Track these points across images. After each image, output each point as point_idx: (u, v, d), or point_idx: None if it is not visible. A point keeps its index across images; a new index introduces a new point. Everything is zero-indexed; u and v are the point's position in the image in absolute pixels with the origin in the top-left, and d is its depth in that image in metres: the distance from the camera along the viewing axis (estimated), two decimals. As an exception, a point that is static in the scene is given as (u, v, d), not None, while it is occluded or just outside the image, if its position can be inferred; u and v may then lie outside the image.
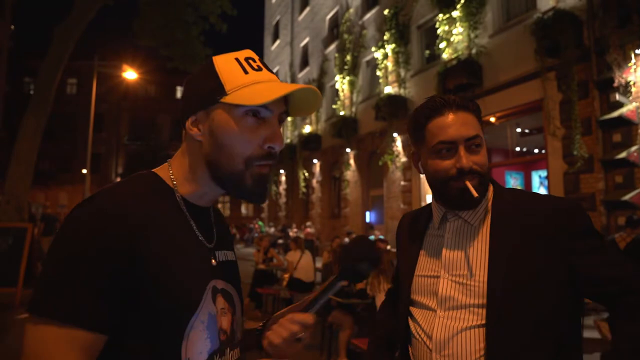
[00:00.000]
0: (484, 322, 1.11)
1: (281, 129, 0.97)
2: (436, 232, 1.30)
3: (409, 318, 1.29)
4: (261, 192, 0.94)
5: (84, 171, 20.62)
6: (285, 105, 0.96)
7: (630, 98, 7.18)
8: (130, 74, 20.26)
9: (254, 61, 0.95)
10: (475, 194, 1.16)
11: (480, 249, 1.18)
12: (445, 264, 1.22)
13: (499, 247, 1.15)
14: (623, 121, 7.24)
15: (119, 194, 0.85)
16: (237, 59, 0.94)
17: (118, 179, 32.58)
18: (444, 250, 1.24)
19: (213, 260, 0.95)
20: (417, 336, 1.23)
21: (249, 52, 0.97)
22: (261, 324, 1.10)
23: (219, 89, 0.90)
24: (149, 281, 0.80)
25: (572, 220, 1.14)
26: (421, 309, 1.25)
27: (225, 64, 0.93)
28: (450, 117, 1.21)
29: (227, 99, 0.89)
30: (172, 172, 0.96)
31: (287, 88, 0.90)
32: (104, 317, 0.77)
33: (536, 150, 10.75)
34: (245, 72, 0.92)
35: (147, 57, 22.65)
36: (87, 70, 22.77)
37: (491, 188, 1.27)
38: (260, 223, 24.13)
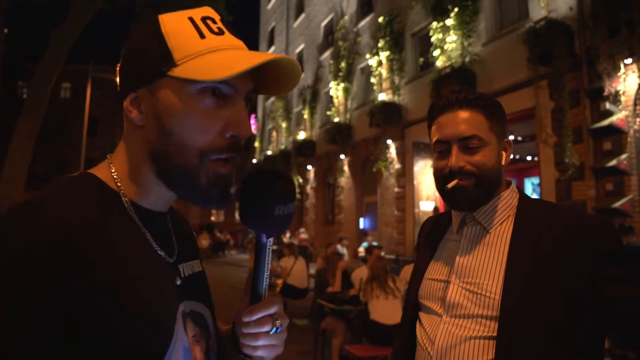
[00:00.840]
0: (491, 334, 1.05)
1: (248, 114, 0.75)
2: (453, 236, 1.25)
3: (416, 322, 1.24)
4: (219, 195, 0.73)
5: (78, 176, 20.58)
6: (254, 82, 0.75)
7: (620, 107, 7.27)
8: (125, 79, 20.25)
9: (214, 22, 0.73)
10: (449, 185, 1.13)
11: (497, 260, 1.12)
12: (458, 269, 1.17)
13: (518, 261, 1.08)
14: (613, 129, 7.32)
15: (49, 205, 0.64)
16: (191, 19, 0.72)
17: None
18: (457, 256, 1.19)
19: (178, 279, 0.77)
20: (421, 341, 1.19)
21: (207, 10, 0.74)
22: (230, 328, 0.90)
23: (166, 58, 0.69)
24: (104, 320, 0.61)
25: (601, 243, 1.05)
26: (427, 313, 1.21)
27: (175, 25, 0.71)
28: (449, 115, 1.18)
29: (176, 72, 0.68)
30: (114, 170, 0.75)
31: (257, 58, 0.68)
32: None
33: (529, 158, 10.86)
34: (202, 36, 0.71)
35: (142, 62, 22.66)
36: (82, 74, 22.73)
37: (516, 196, 1.21)
38: None
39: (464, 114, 1.16)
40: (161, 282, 0.72)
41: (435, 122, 1.22)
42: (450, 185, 1.13)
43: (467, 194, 1.15)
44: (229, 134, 0.71)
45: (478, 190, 1.15)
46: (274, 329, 0.75)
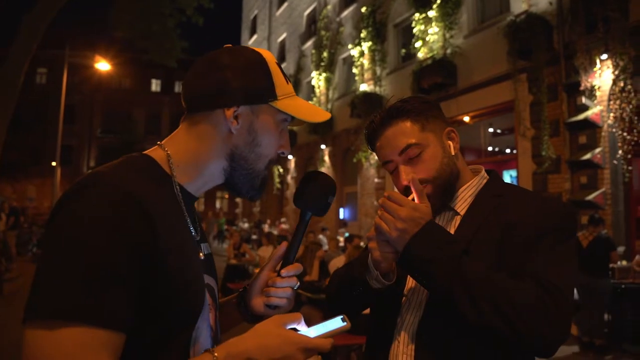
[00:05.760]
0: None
1: None
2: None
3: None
4: (262, 191, 0.97)
5: (54, 163, 20.10)
6: None
7: (595, 101, 7.43)
8: (103, 65, 19.77)
9: (281, 68, 0.97)
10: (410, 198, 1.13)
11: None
12: None
13: (465, 228, 1.13)
14: (588, 124, 7.48)
15: (124, 177, 0.77)
16: (277, 63, 0.96)
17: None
18: None
19: (201, 254, 0.91)
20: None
21: (273, 56, 0.97)
22: (236, 295, 1.08)
23: (271, 91, 0.91)
24: (163, 277, 0.75)
25: (550, 218, 1.07)
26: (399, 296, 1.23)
27: (273, 66, 0.93)
28: (382, 137, 1.20)
29: (277, 104, 0.91)
30: (170, 156, 0.88)
31: (324, 115, 0.97)
32: (129, 316, 0.71)
33: (507, 150, 11.01)
34: (287, 81, 0.96)
35: (121, 49, 22.17)
36: (58, 60, 22.08)
37: (485, 180, 1.24)
38: (222, 220, 23.35)
39: (392, 129, 1.18)
40: (194, 254, 0.87)
41: (375, 147, 1.24)
42: (410, 198, 1.13)
43: (430, 201, 1.16)
44: (282, 151, 0.97)
45: (438, 192, 1.17)
46: (297, 285, 0.99)
